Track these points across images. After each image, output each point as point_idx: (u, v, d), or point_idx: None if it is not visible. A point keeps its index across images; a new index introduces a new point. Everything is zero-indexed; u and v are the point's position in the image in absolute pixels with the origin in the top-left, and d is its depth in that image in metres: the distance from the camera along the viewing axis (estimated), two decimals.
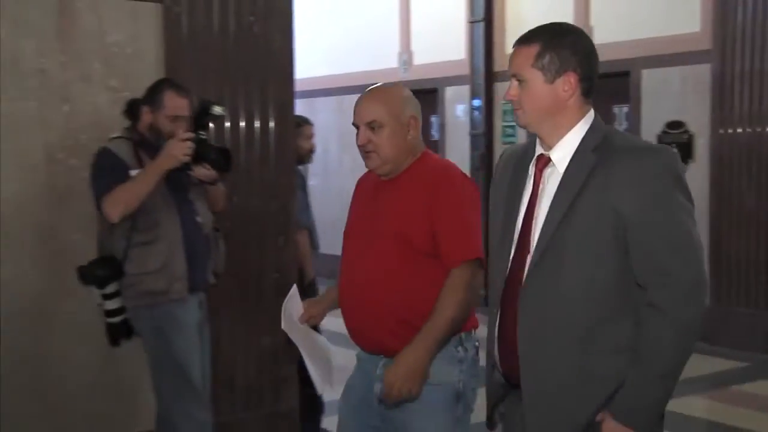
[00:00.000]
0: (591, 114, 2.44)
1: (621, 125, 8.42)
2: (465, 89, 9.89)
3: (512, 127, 9.36)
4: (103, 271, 3.82)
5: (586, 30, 2.77)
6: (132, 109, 3.94)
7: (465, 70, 9.83)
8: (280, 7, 4.72)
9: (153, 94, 3.86)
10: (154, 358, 3.97)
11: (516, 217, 2.47)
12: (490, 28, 9.55)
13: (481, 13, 9.52)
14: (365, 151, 3.01)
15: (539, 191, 2.43)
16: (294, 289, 3.25)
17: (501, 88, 9.43)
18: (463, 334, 2.96)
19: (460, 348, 2.96)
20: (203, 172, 3.85)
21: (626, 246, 2.30)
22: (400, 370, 2.79)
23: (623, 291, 2.34)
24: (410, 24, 10.62)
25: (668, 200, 2.29)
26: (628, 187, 2.28)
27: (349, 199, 3.25)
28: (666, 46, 8.02)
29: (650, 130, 8.12)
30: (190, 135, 3.75)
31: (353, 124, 3.04)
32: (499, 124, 9.61)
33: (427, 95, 10.16)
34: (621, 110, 8.57)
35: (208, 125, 4.07)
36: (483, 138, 9.62)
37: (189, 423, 3.91)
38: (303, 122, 5.15)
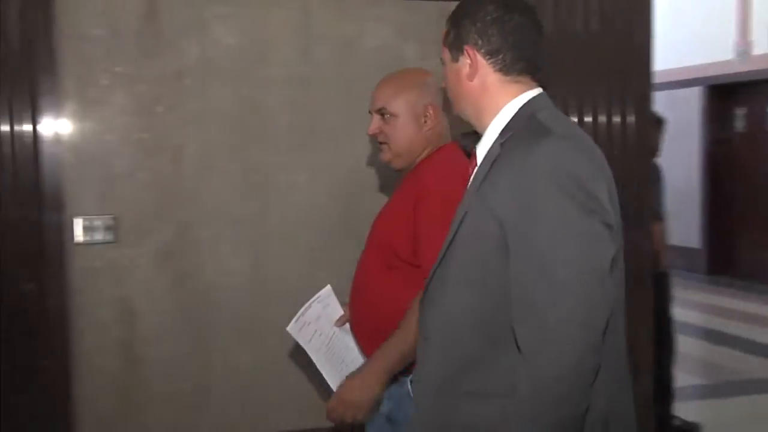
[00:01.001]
0: (528, 95, 1.95)
1: None
2: None
3: None
4: None
5: None
6: None
7: None
8: (641, 3, 4.80)
9: None
10: None
11: None
12: None
13: None
14: (378, 142, 2.74)
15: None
16: (328, 288, 2.92)
17: None
18: None
19: None
20: None
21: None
22: (345, 397, 2.50)
23: (507, 324, 1.78)
24: (750, 13, 10.24)
25: (548, 208, 1.71)
26: (507, 189, 1.76)
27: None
28: None
29: None
30: None
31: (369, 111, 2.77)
32: None
33: (766, 86, 9.94)
34: None
35: None
36: None
37: None
38: (662, 120, 5.56)
